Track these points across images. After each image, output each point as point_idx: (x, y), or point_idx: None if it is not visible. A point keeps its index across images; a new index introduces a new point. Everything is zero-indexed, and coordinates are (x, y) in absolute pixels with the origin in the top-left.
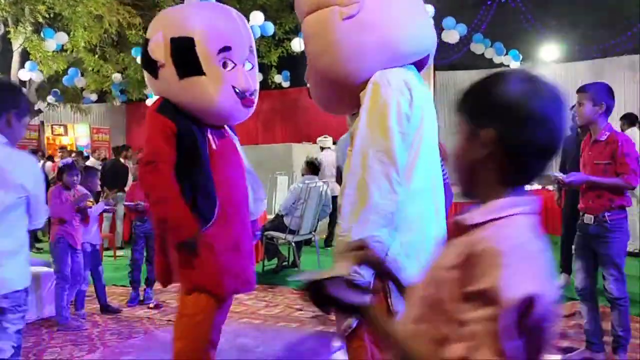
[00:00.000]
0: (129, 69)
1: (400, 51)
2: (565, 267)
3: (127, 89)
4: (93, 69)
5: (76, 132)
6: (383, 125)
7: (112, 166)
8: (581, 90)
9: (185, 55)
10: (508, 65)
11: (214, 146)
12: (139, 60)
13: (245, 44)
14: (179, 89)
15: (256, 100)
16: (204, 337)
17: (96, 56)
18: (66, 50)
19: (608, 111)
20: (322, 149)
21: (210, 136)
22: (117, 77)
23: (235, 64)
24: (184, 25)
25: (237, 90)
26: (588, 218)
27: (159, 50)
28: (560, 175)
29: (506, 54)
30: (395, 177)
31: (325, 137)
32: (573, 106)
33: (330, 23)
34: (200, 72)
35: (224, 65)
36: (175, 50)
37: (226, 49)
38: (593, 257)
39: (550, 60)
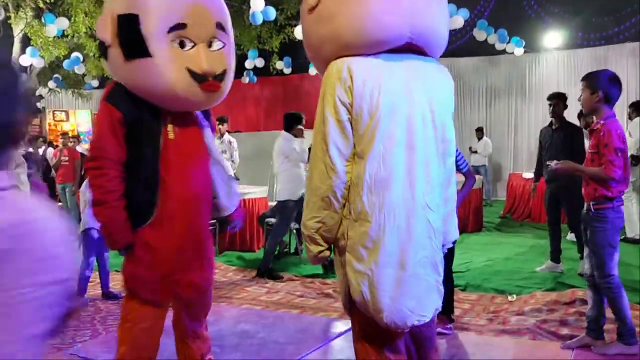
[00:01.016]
0: None
1: (351, 42)
2: (554, 255)
3: None
4: (94, 55)
5: (77, 118)
6: (322, 113)
7: None
8: (582, 78)
9: (129, 35)
10: (512, 53)
11: (170, 135)
12: None
13: (209, 20)
14: (126, 72)
15: (225, 84)
16: (149, 346)
17: (97, 42)
18: (67, 36)
19: (608, 99)
20: None
21: (170, 124)
22: None
23: (195, 43)
24: (132, 1)
25: (194, 73)
26: (585, 206)
27: (106, 29)
28: (553, 163)
29: (509, 41)
30: (329, 164)
31: None
32: (549, 99)
33: (303, 16)
34: (146, 53)
35: (181, 44)
36: (120, 29)
37: (180, 26)
38: None
39: (553, 48)
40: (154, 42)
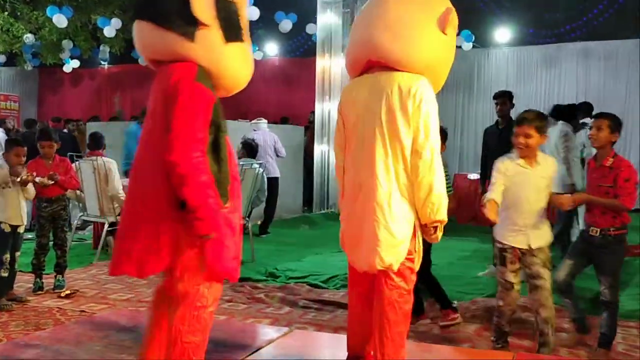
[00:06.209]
0: (44, 30)
1: (347, 68)
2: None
3: (41, 52)
4: (2, 28)
5: None
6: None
7: (24, 140)
8: (604, 116)
9: (233, 19)
10: (459, 47)
11: None
12: (56, 20)
13: None
14: (222, 54)
15: None
16: (209, 329)
17: (6, 13)
18: None
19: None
20: (255, 130)
21: None
22: (29, 37)
23: None
24: None
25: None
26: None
27: (204, 11)
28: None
29: (458, 34)
30: (335, 153)
31: (259, 119)
32: (496, 97)
33: None
34: (241, 38)
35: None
36: (223, 12)
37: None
38: None
39: (503, 43)
40: (245, 29)
